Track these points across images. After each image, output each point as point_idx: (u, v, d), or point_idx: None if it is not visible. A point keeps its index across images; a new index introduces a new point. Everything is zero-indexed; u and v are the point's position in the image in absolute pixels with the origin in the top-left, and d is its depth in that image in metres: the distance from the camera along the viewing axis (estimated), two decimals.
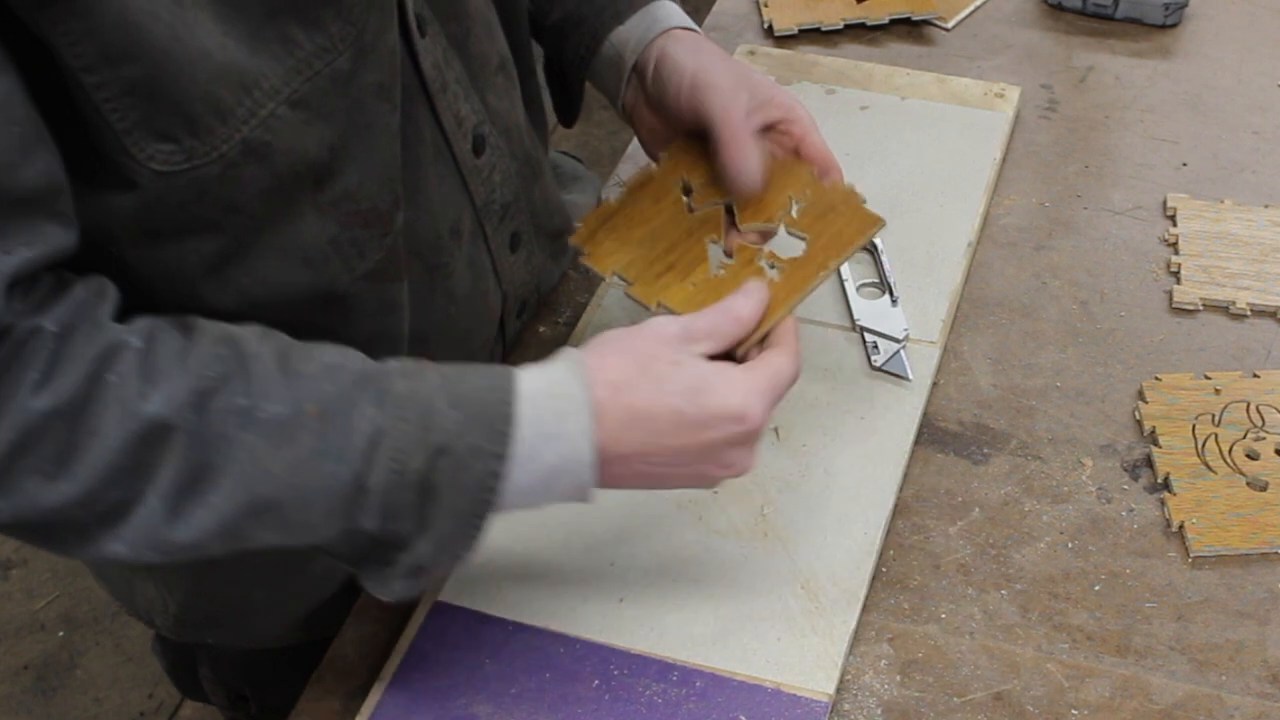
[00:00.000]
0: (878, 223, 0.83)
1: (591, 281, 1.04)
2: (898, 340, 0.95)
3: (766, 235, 0.85)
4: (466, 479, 0.69)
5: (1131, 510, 0.88)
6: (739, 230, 0.85)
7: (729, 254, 0.84)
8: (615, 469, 0.72)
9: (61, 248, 0.65)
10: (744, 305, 0.76)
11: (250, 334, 0.70)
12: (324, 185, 0.73)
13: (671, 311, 0.80)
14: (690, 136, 0.88)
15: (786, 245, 0.83)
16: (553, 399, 0.70)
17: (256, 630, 0.98)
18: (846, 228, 0.83)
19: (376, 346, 0.74)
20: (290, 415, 0.67)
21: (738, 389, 0.72)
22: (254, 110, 0.68)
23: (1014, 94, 1.17)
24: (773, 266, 0.81)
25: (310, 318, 0.75)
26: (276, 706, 1.00)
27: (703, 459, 0.73)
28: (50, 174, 0.63)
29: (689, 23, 0.93)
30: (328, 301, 0.77)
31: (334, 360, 0.69)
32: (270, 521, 0.67)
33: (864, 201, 0.84)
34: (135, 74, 0.63)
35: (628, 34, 0.91)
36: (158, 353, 0.66)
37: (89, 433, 0.64)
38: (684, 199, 0.86)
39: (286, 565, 0.88)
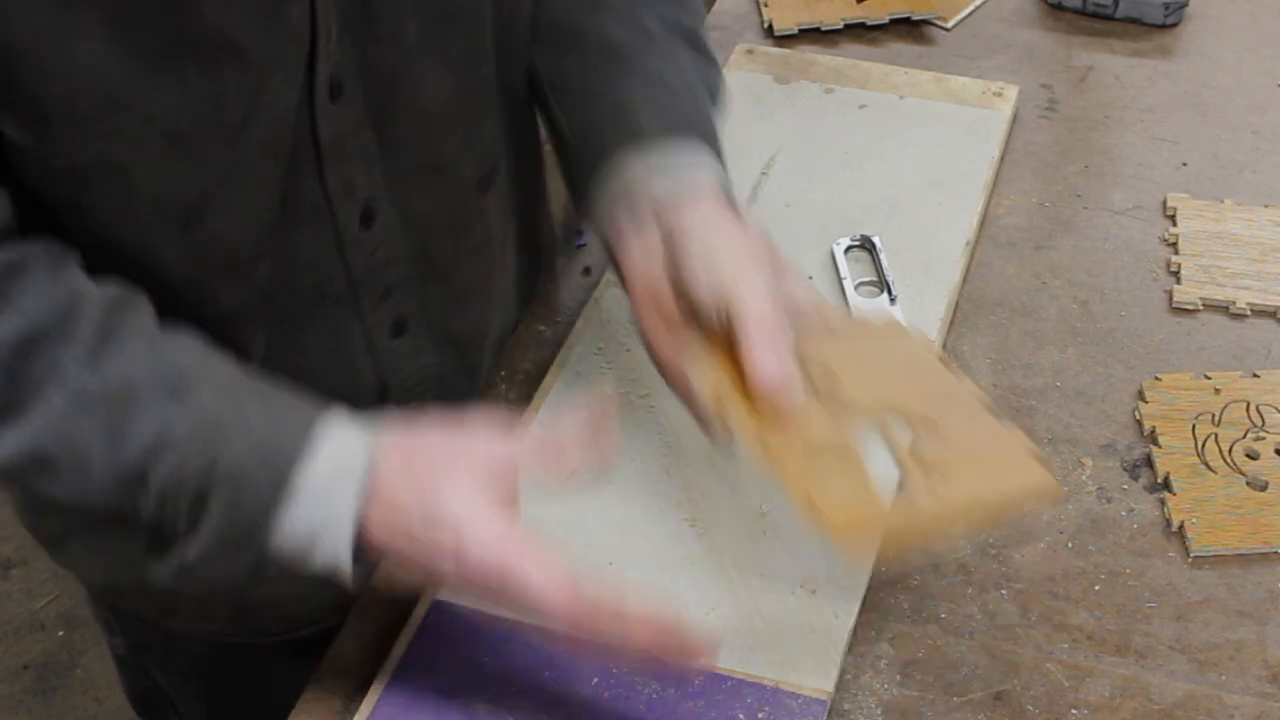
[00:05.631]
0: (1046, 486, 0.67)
1: (590, 282, 1.04)
2: None
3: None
4: (237, 511, 0.70)
5: (1131, 510, 0.88)
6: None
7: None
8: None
9: None
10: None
11: (99, 295, 0.71)
12: (189, 228, 0.73)
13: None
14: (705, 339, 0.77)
15: None
16: (335, 468, 0.71)
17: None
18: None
19: None
20: (96, 390, 0.69)
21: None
22: (118, 129, 0.67)
23: (1012, 93, 1.17)
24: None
25: None
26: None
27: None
28: None
29: (717, 170, 0.84)
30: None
31: (165, 353, 0.71)
32: (49, 475, 0.70)
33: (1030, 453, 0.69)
34: None
35: (647, 174, 0.82)
36: (7, 288, 0.68)
37: None
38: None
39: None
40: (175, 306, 0.75)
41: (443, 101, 0.82)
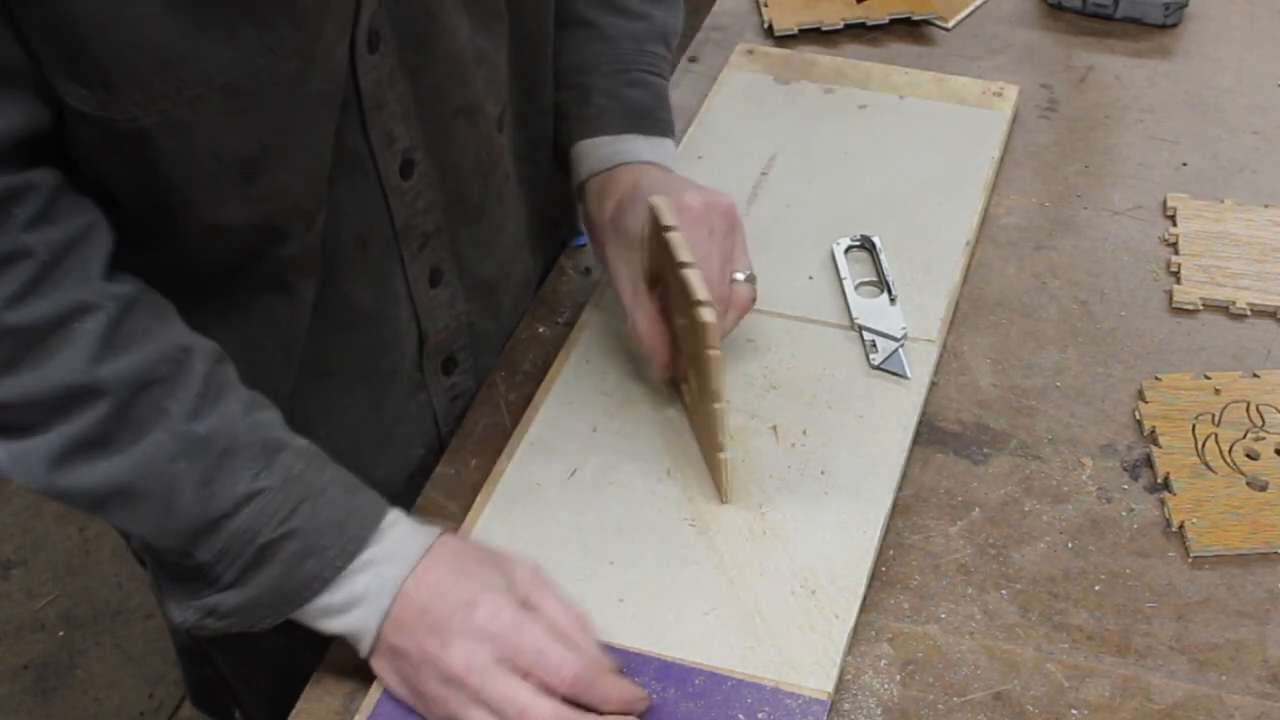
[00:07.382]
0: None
1: (590, 282, 1.04)
2: (896, 339, 0.95)
3: None
4: (299, 570, 0.75)
5: (1131, 510, 0.88)
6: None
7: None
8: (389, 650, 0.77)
9: (38, 123, 0.68)
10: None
11: (203, 350, 0.75)
12: (252, 181, 0.74)
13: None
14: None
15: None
16: (393, 549, 0.77)
17: None
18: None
19: (269, 343, 0.82)
20: (201, 438, 0.73)
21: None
22: (178, 89, 0.69)
23: (1012, 93, 1.17)
24: None
25: (210, 301, 0.79)
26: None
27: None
28: (18, 52, 0.65)
29: (653, 157, 0.95)
30: (232, 288, 0.80)
31: (260, 417, 0.76)
32: (132, 508, 0.74)
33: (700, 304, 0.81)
34: (51, 19, 0.64)
35: (592, 152, 0.96)
36: (126, 326, 0.72)
37: (36, 362, 0.70)
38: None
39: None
40: (237, 257, 0.78)
41: (466, 40, 0.84)
